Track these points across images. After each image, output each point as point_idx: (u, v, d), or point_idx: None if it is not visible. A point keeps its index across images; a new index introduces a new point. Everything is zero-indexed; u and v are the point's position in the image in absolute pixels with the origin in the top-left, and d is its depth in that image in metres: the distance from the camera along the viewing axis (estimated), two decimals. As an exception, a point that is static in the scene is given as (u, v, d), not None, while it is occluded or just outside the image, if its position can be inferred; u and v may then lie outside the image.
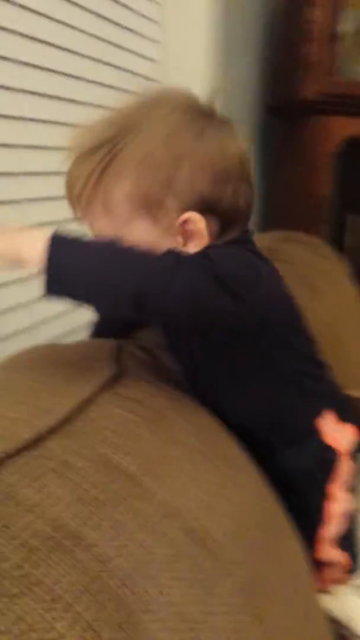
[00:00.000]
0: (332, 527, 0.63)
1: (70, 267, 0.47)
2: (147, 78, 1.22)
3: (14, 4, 0.80)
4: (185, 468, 0.53)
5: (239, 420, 0.63)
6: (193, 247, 0.55)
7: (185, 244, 0.55)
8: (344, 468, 0.64)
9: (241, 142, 0.57)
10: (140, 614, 0.36)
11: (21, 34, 0.81)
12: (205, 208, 0.54)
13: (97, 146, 0.53)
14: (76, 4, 0.94)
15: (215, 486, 0.55)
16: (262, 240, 1.24)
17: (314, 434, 0.64)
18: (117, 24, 1.07)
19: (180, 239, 0.55)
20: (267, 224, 1.79)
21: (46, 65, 0.87)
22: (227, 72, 1.48)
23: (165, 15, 1.27)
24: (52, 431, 0.46)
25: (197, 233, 0.54)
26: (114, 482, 0.44)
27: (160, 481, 0.48)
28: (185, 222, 0.54)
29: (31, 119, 0.85)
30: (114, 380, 0.57)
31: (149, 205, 0.53)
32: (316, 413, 0.64)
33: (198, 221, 0.54)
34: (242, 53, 1.65)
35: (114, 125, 0.54)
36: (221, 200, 0.54)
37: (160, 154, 0.52)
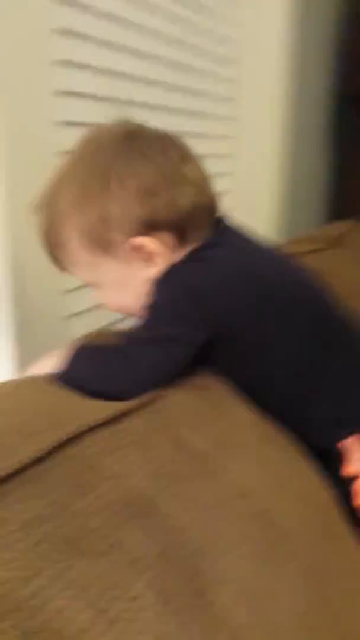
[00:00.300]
0: None
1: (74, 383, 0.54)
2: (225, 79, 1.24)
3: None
4: (251, 453, 0.54)
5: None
6: (162, 263, 0.57)
7: (149, 265, 0.57)
8: None
9: (171, 157, 0.57)
10: (212, 584, 0.38)
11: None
12: (149, 228, 0.56)
13: (39, 209, 0.59)
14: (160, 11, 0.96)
15: (281, 473, 0.56)
16: (333, 230, 1.23)
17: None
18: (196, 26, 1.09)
19: (142, 264, 0.57)
20: (339, 214, 1.77)
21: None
22: (303, 60, 1.47)
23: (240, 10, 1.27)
24: (132, 410, 0.49)
25: (153, 253, 0.57)
26: (187, 460, 0.46)
27: (230, 463, 0.50)
28: (137, 248, 0.56)
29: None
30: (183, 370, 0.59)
31: (101, 246, 0.57)
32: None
33: (147, 243, 0.56)
34: (319, 42, 1.64)
35: (48, 184, 0.59)
36: (158, 215, 0.55)
37: (86, 197, 0.56)
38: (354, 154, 1.78)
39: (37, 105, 0.71)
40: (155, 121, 0.62)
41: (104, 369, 0.55)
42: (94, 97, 0.84)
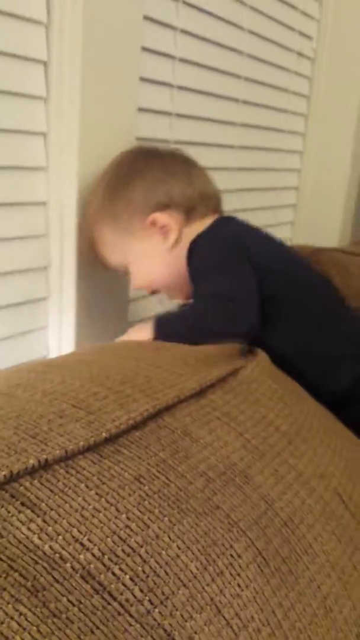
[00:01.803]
0: None
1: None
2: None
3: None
4: (324, 439, 0.56)
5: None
6: (171, 236, 0.69)
7: (166, 237, 0.69)
8: None
9: (178, 159, 0.72)
10: (300, 554, 0.39)
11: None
12: (162, 206, 0.69)
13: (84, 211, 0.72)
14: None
15: (351, 461, 0.56)
16: None
17: None
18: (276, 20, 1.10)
19: (159, 237, 0.69)
20: None
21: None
22: None
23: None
24: (212, 386, 0.51)
25: (166, 226, 0.69)
26: (270, 437, 0.47)
27: (308, 444, 0.51)
28: (152, 223, 0.69)
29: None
30: (254, 356, 0.61)
31: (124, 227, 0.69)
32: None
33: (159, 217, 0.68)
34: None
35: (87, 197, 0.72)
36: (170, 196, 0.69)
37: (114, 190, 0.69)
38: None
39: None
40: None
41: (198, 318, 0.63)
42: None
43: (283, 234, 1.35)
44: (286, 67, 1.19)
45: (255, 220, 1.19)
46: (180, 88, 0.88)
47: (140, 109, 0.79)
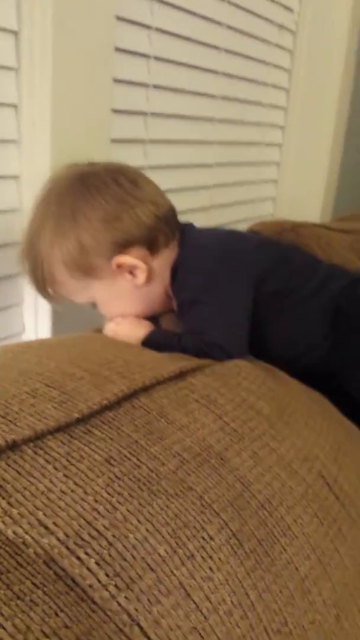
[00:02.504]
0: None
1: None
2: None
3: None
4: (309, 422, 0.54)
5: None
6: (141, 274, 0.64)
7: (134, 276, 0.65)
8: None
9: (122, 183, 0.64)
10: (278, 536, 0.38)
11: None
12: (122, 246, 0.63)
13: (23, 257, 0.66)
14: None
15: (338, 444, 0.55)
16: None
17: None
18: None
19: (128, 276, 0.65)
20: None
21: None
22: None
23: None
24: (193, 370, 0.50)
25: (134, 266, 0.64)
26: (250, 420, 0.46)
27: (290, 428, 0.50)
28: (119, 265, 0.63)
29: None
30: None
31: (87, 272, 0.63)
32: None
33: (125, 259, 0.63)
34: None
35: (25, 234, 0.65)
36: (127, 234, 0.63)
37: (61, 234, 0.62)
38: None
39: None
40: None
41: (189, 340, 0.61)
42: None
43: (265, 209, 1.33)
44: (268, 40, 1.16)
45: (237, 195, 1.18)
46: (157, 59, 0.86)
47: (116, 80, 0.77)
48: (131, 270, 0.64)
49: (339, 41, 1.31)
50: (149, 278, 0.65)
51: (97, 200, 0.62)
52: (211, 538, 0.34)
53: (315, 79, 1.31)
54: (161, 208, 0.66)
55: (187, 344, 0.59)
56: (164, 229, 0.66)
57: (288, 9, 1.22)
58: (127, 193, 0.64)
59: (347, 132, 1.45)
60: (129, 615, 0.29)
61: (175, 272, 0.65)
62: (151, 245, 0.65)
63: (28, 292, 0.74)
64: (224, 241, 0.69)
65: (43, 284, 0.65)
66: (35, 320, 0.75)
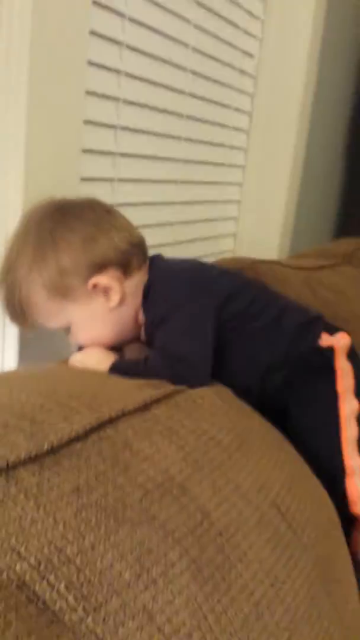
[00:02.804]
0: (349, 430, 0.70)
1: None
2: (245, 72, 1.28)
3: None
4: (266, 454, 0.58)
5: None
6: (115, 296, 0.68)
7: (109, 298, 0.68)
8: (343, 365, 0.71)
9: (97, 211, 0.69)
10: (235, 561, 0.41)
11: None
12: (98, 267, 0.66)
13: (3, 279, 0.68)
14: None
15: (292, 474, 0.59)
16: (343, 246, 1.27)
17: (314, 347, 0.73)
18: (221, 17, 1.14)
19: (102, 298, 0.68)
20: (348, 230, 1.81)
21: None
22: (325, 75, 1.51)
23: (268, 14, 1.32)
24: (158, 400, 0.52)
25: (108, 287, 0.67)
26: (210, 451, 0.49)
27: (248, 459, 0.53)
28: (94, 286, 0.66)
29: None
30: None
31: (64, 294, 0.67)
32: (315, 339, 0.73)
33: (101, 280, 0.66)
34: (341, 57, 1.68)
35: (3, 260, 0.69)
36: (102, 256, 0.67)
37: (41, 258, 0.66)
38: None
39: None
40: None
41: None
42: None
43: (226, 245, 1.39)
44: (229, 84, 1.23)
45: (199, 232, 1.23)
46: (126, 102, 0.90)
47: (86, 121, 0.80)
48: (105, 293, 0.68)
49: (297, 85, 1.39)
50: (122, 300, 0.68)
51: (76, 224, 0.67)
52: (173, 564, 0.37)
53: (273, 121, 1.39)
54: (134, 235, 0.71)
55: (155, 361, 0.62)
56: (137, 254, 0.70)
57: (248, 54, 1.29)
58: (102, 219, 0.69)
59: (303, 173, 1.52)
60: (97, 636, 0.31)
61: (148, 292, 0.69)
62: (125, 268, 0.69)
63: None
64: (190, 268, 0.74)
65: (19, 308, 0.68)
66: (1, 353, 0.76)
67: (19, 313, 0.68)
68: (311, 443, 0.67)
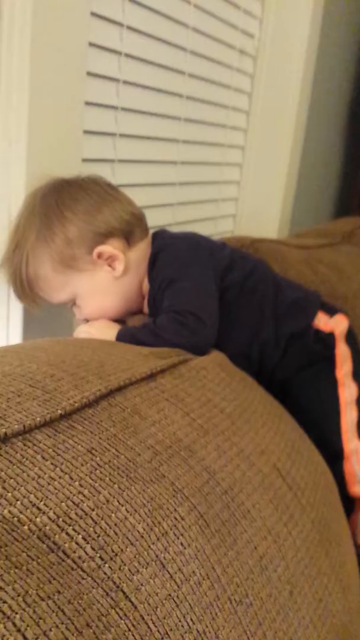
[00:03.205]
0: (348, 415, 0.73)
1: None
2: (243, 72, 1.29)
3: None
4: (267, 422, 0.60)
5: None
6: (119, 265, 0.70)
7: (113, 267, 0.70)
8: (342, 351, 0.74)
9: (101, 184, 0.72)
10: (239, 518, 0.43)
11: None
12: (103, 237, 0.69)
13: (8, 259, 0.70)
14: None
15: (292, 441, 0.61)
16: (343, 225, 1.29)
17: (311, 329, 0.75)
18: (217, 17, 1.15)
19: (107, 267, 0.70)
20: (347, 209, 1.82)
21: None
22: (325, 54, 1.52)
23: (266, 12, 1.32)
24: (163, 371, 0.54)
25: (112, 255, 0.69)
26: (215, 417, 0.51)
27: (250, 425, 0.55)
28: (99, 255, 0.69)
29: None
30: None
31: (70, 265, 0.69)
32: (310, 317, 0.75)
33: (105, 249, 0.69)
34: (341, 35, 1.68)
35: (10, 235, 0.70)
36: (107, 225, 0.69)
37: (48, 229, 0.68)
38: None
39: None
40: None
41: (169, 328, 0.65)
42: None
43: (226, 226, 1.40)
44: (229, 64, 1.23)
45: (199, 212, 1.24)
46: (126, 83, 0.91)
47: (88, 103, 0.82)
48: (110, 263, 0.70)
49: (296, 66, 1.40)
50: (126, 269, 0.71)
51: (81, 194, 0.69)
52: (182, 518, 0.39)
53: (273, 102, 1.40)
54: (135, 208, 0.73)
55: (163, 320, 0.64)
56: (139, 225, 0.73)
57: (249, 34, 1.29)
58: (106, 192, 0.71)
59: (303, 153, 1.54)
60: (114, 582, 0.34)
61: (154, 261, 0.71)
62: (128, 238, 0.71)
63: (0, 303, 0.77)
64: (193, 236, 0.77)
65: (27, 283, 0.70)
66: (7, 331, 0.78)
67: (26, 289, 0.70)
68: (311, 425, 0.69)
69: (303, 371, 0.75)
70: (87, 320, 0.73)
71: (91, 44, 0.80)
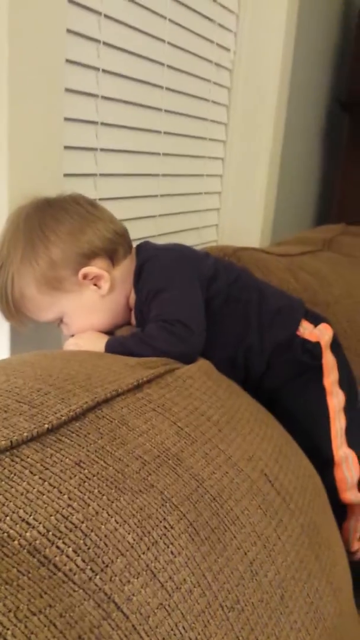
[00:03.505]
0: (337, 422, 0.74)
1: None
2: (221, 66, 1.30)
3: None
4: (254, 428, 0.61)
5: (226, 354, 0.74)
6: (105, 284, 0.70)
7: (99, 287, 0.71)
8: (329, 360, 0.75)
9: (82, 204, 0.72)
10: (228, 524, 0.44)
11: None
12: (87, 257, 0.69)
13: None
14: None
15: (279, 447, 0.62)
16: (323, 233, 1.31)
17: (297, 338, 0.75)
18: (197, 12, 1.16)
19: (93, 287, 0.70)
20: (327, 217, 1.85)
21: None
22: (299, 63, 1.55)
23: (242, 8, 1.35)
24: (149, 381, 0.55)
25: (97, 275, 0.70)
26: (201, 426, 0.52)
27: (237, 432, 0.56)
28: (84, 276, 0.69)
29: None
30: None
31: (55, 286, 0.69)
32: (294, 325, 0.75)
33: (90, 270, 0.69)
34: (315, 49, 1.71)
35: None
36: (90, 246, 0.69)
37: (32, 251, 0.68)
38: (345, 158, 1.86)
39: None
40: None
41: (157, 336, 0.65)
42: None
43: (209, 236, 1.42)
44: (206, 78, 1.25)
45: (183, 223, 1.25)
46: (104, 98, 0.92)
47: (67, 119, 0.82)
48: (95, 282, 0.70)
49: (273, 77, 1.42)
50: (112, 287, 0.71)
51: (63, 216, 0.69)
52: (172, 527, 0.39)
53: (251, 115, 1.42)
54: (117, 225, 0.74)
55: (152, 329, 0.65)
56: (122, 243, 0.73)
57: (225, 48, 1.32)
58: (87, 212, 0.71)
59: (282, 161, 1.56)
60: (105, 593, 0.34)
61: (139, 274, 0.72)
62: (112, 256, 0.72)
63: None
64: (177, 247, 0.78)
65: (13, 304, 0.70)
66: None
67: (13, 309, 0.70)
68: (301, 434, 0.69)
69: (291, 381, 0.76)
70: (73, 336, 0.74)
71: (68, 61, 0.81)
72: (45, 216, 0.69)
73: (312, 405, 0.75)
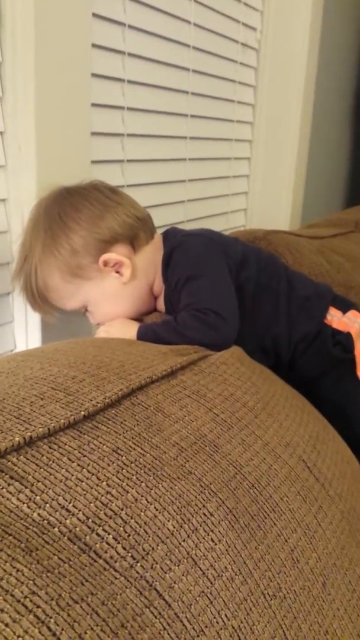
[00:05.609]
0: None
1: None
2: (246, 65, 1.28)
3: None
4: (290, 414, 0.59)
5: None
6: (126, 271, 0.70)
7: (121, 274, 0.70)
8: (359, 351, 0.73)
9: (102, 190, 0.71)
10: (268, 511, 0.43)
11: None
12: (108, 243, 0.68)
13: (19, 271, 0.71)
14: None
15: (316, 432, 0.61)
16: (354, 214, 1.28)
17: (326, 328, 0.73)
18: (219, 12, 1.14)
19: (114, 274, 0.70)
20: (357, 199, 1.81)
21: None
22: (328, 46, 1.50)
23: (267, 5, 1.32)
24: (183, 367, 0.54)
25: (118, 262, 0.69)
26: (237, 412, 0.51)
27: (273, 418, 0.55)
28: (105, 263, 0.69)
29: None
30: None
31: (78, 274, 0.69)
32: (322, 313, 0.74)
33: (110, 256, 0.69)
34: (343, 26, 1.67)
35: (19, 249, 0.71)
36: (111, 232, 0.68)
37: (53, 241, 0.67)
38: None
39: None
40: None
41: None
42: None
43: (238, 221, 1.40)
44: (232, 58, 1.23)
45: (211, 208, 1.23)
46: (131, 82, 0.91)
47: (94, 104, 0.81)
48: (117, 269, 0.70)
49: (300, 57, 1.39)
50: (134, 274, 0.71)
51: (82, 204, 0.69)
52: (211, 514, 0.39)
53: (279, 95, 1.39)
54: (139, 211, 0.73)
55: (184, 318, 0.64)
56: (144, 228, 0.72)
57: (251, 28, 1.29)
58: (107, 198, 0.71)
59: (311, 143, 1.53)
60: (147, 581, 0.33)
61: (168, 260, 0.71)
62: (133, 242, 0.71)
63: (19, 310, 0.78)
64: (206, 233, 0.76)
65: (38, 294, 0.70)
66: (25, 337, 0.79)
67: (38, 300, 0.71)
68: (338, 422, 0.68)
69: (326, 376, 0.74)
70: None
71: (94, 45, 0.80)
72: (65, 205, 0.68)
73: (349, 398, 0.74)
